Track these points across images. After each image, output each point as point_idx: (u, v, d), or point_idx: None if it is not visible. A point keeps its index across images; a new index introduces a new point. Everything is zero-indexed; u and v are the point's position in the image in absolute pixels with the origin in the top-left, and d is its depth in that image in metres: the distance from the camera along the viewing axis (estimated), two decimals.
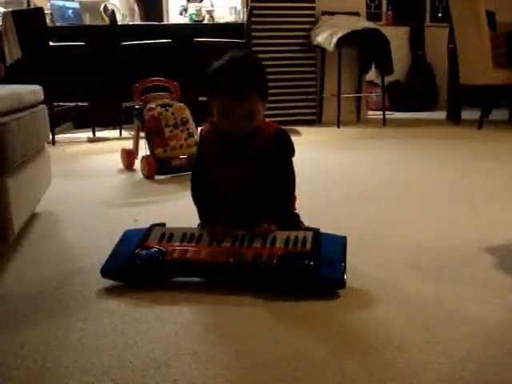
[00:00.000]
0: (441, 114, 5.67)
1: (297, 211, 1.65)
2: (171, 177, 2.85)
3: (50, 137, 3.53)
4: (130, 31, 4.93)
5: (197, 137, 2.76)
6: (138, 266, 1.37)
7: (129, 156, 3.12)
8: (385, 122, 5.04)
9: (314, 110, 5.25)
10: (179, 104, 2.98)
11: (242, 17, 5.22)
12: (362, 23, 4.98)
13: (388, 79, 5.75)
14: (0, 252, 1.65)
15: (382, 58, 4.98)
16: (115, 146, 3.66)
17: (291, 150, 1.56)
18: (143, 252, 1.40)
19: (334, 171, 3.02)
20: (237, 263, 1.35)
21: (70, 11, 5.11)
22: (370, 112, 5.76)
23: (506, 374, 0.97)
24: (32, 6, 4.86)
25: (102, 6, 5.18)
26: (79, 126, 4.95)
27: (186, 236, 1.47)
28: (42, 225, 2.04)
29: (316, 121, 5.26)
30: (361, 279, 1.39)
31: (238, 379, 0.97)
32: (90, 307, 1.29)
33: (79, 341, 1.12)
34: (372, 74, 5.39)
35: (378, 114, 5.41)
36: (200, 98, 3.71)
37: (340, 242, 1.42)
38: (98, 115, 4.60)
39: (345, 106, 5.06)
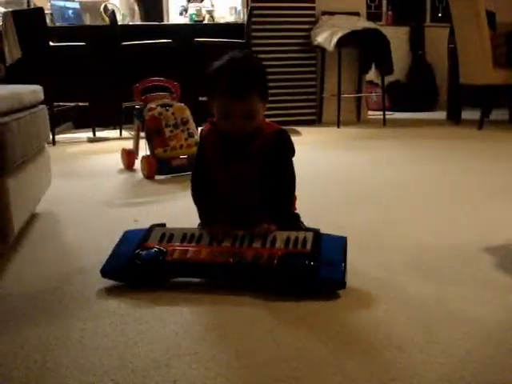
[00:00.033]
0: (441, 114, 5.67)
1: (297, 211, 1.65)
2: (171, 177, 2.85)
3: (50, 137, 3.53)
4: (130, 31, 4.93)
5: (197, 137, 2.76)
6: (138, 266, 1.37)
7: (129, 156, 3.12)
8: (385, 122, 5.04)
9: (314, 110, 5.25)
10: (179, 104, 2.98)
11: (242, 17, 5.21)
12: (362, 23, 4.98)
13: (388, 79, 5.75)
14: (0, 252, 1.65)
15: (382, 58, 4.97)
16: (115, 146, 3.66)
17: (291, 150, 1.56)
18: (143, 252, 1.40)
19: (334, 171, 3.02)
20: (237, 263, 1.35)
21: (70, 11, 5.11)
22: (370, 112, 5.76)
23: (506, 374, 0.97)
24: (32, 6, 4.86)
25: (103, 6, 5.18)
26: (79, 126, 4.95)
27: (186, 236, 1.47)
28: (42, 225, 2.04)
29: (316, 121, 5.25)
30: (361, 279, 1.39)
31: (238, 379, 0.97)
32: (90, 307, 1.29)
33: (79, 341, 1.12)
34: (372, 74, 5.39)
35: (378, 114, 5.41)
36: (200, 98, 3.71)
37: (340, 243, 1.42)
38: (98, 115, 4.59)
39: (345, 106, 5.06)
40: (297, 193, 1.60)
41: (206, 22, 5.39)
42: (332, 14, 5.12)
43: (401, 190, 2.49)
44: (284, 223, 1.50)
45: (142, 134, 2.96)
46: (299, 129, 4.77)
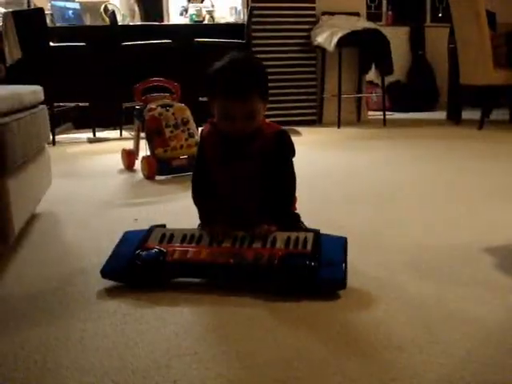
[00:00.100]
0: (441, 115, 5.67)
1: (297, 211, 1.65)
2: (172, 177, 2.85)
3: (51, 137, 3.53)
4: (130, 32, 4.93)
5: (197, 137, 2.76)
6: (139, 266, 1.37)
7: (129, 156, 3.12)
8: (385, 122, 5.04)
9: (314, 111, 5.25)
10: (180, 104, 2.98)
11: (242, 17, 5.22)
12: (362, 23, 4.98)
13: (388, 79, 5.75)
14: (0, 252, 1.65)
15: (382, 59, 4.98)
16: (115, 147, 3.66)
17: (292, 151, 1.56)
18: (143, 253, 1.40)
19: (334, 171, 3.02)
20: (237, 264, 1.35)
21: (71, 12, 5.11)
22: (370, 112, 5.76)
23: (506, 374, 0.97)
24: (32, 7, 4.87)
25: (103, 6, 5.19)
26: (79, 126, 4.96)
27: (187, 237, 1.47)
28: (43, 225, 2.04)
29: (316, 121, 5.26)
30: (361, 279, 1.39)
31: (238, 379, 0.97)
32: (91, 308, 1.29)
33: (80, 341, 1.12)
34: (372, 75, 5.39)
35: (379, 115, 5.41)
36: (200, 99, 3.71)
37: (340, 243, 1.42)
38: (98, 116, 4.60)
39: (345, 107, 5.06)
40: (297, 193, 1.60)
41: (206, 22, 5.39)
42: (332, 14, 5.12)
43: (401, 190, 2.49)
44: (284, 223, 1.50)
45: (143, 135, 2.96)
46: (299, 129, 4.77)
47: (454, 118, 5.12)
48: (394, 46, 4.96)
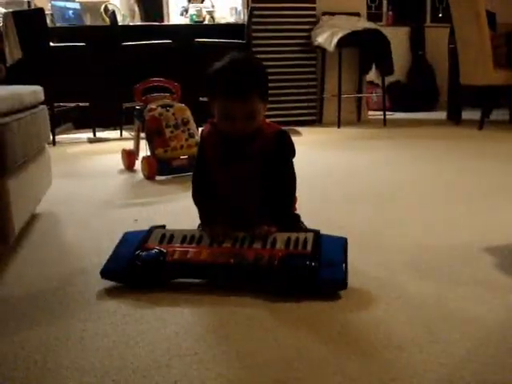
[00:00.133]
0: (441, 115, 5.67)
1: (297, 211, 1.65)
2: (172, 177, 2.85)
3: (51, 137, 3.53)
4: (130, 32, 4.93)
5: (197, 137, 2.76)
6: (139, 267, 1.37)
7: (129, 156, 3.12)
8: (385, 122, 5.04)
9: (314, 111, 5.25)
10: (180, 104, 2.98)
11: (242, 17, 5.22)
12: (362, 23, 4.98)
13: (388, 79, 5.75)
14: (0, 252, 1.65)
15: (382, 59, 4.98)
16: (116, 147, 3.66)
17: (292, 151, 1.56)
18: (143, 253, 1.40)
19: (334, 171, 3.02)
20: (238, 264, 1.35)
21: (71, 12, 5.11)
22: (370, 112, 5.76)
23: (506, 373, 0.97)
24: (33, 7, 4.86)
25: (103, 6, 5.19)
26: (80, 126, 4.96)
27: (187, 237, 1.47)
28: (43, 225, 2.04)
29: (316, 121, 5.26)
30: (361, 279, 1.39)
31: (238, 380, 0.97)
32: (91, 308, 1.29)
33: (80, 341, 1.12)
34: (372, 75, 5.39)
35: (379, 115, 5.42)
36: (201, 99, 3.71)
37: (341, 243, 1.42)
38: (98, 116, 4.60)
39: (345, 107, 5.06)
40: (297, 193, 1.60)
41: (206, 22, 5.39)
42: (332, 14, 5.12)
43: (401, 190, 2.49)
44: (284, 224, 1.50)
45: (143, 135, 2.96)
46: (300, 129, 4.77)
47: (454, 118, 5.13)
48: (394, 46, 4.96)
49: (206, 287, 1.37)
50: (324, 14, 5.13)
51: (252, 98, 1.45)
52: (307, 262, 1.32)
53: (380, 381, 0.95)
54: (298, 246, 1.40)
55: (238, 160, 1.52)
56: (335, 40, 4.68)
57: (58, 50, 4.35)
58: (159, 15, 5.57)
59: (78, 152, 3.97)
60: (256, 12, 4.80)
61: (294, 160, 1.56)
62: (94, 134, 4.65)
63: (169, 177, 2.86)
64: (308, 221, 1.64)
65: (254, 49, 4.74)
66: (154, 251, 1.40)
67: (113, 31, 4.59)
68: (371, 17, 5.94)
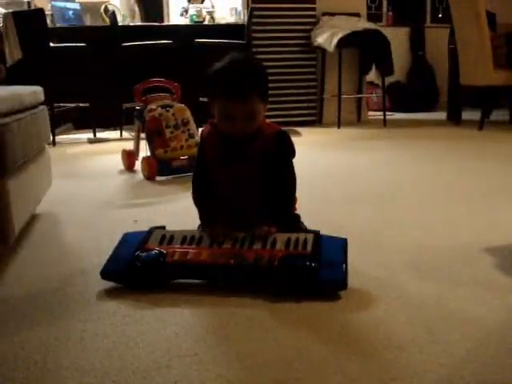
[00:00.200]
0: (441, 115, 5.67)
1: (297, 211, 1.65)
2: (172, 178, 2.85)
3: (51, 138, 3.52)
4: (130, 32, 4.93)
5: (197, 138, 2.76)
6: (139, 268, 1.37)
7: (129, 157, 3.12)
8: (385, 122, 5.04)
9: (314, 111, 5.25)
10: (180, 105, 2.98)
11: (242, 18, 5.22)
12: (362, 24, 4.98)
13: (388, 80, 5.74)
14: (0, 253, 1.65)
15: (382, 59, 4.98)
16: (116, 147, 3.66)
17: (292, 152, 1.56)
18: (143, 254, 1.40)
19: (334, 171, 3.02)
20: (238, 265, 1.35)
21: (71, 12, 5.12)
22: (370, 113, 5.76)
23: (506, 373, 0.97)
24: (33, 7, 4.86)
25: (103, 6, 5.19)
26: (80, 126, 4.95)
27: (187, 238, 1.47)
28: (43, 226, 2.04)
29: (316, 121, 5.25)
30: (361, 279, 1.39)
31: (238, 380, 0.97)
32: (91, 308, 1.29)
33: (80, 342, 1.12)
34: (372, 75, 5.39)
35: (379, 115, 5.41)
36: (201, 99, 3.71)
37: (341, 244, 1.42)
38: (98, 116, 4.60)
39: (345, 107, 5.06)
40: (297, 193, 1.60)
41: (206, 22, 5.39)
42: (332, 14, 5.12)
43: (401, 191, 2.49)
44: (284, 224, 1.50)
45: (143, 135, 2.96)
46: (299, 129, 4.77)
47: (454, 119, 5.12)
48: (394, 46, 4.96)
49: (206, 288, 1.38)
50: (324, 14, 5.13)
51: (252, 98, 1.45)
52: (307, 263, 1.32)
53: (380, 381, 0.95)
54: (298, 246, 1.40)
55: (238, 160, 1.52)
56: (335, 40, 4.68)
57: (58, 51, 4.35)
58: (159, 15, 5.58)
59: (78, 152, 3.97)
60: (256, 12, 4.80)
61: (293, 160, 1.56)
62: (94, 135, 4.65)
63: (169, 177, 2.86)
64: (308, 221, 1.64)
65: (253, 49, 4.74)
66: (153, 252, 1.40)
67: (113, 31, 4.58)
68: (371, 17, 5.94)
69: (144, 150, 2.96)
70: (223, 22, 5.44)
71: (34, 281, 1.48)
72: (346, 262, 1.36)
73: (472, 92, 4.91)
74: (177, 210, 2.18)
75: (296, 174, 1.57)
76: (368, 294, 1.32)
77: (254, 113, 1.46)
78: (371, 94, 6.13)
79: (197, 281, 1.40)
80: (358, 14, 5.24)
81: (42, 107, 2.16)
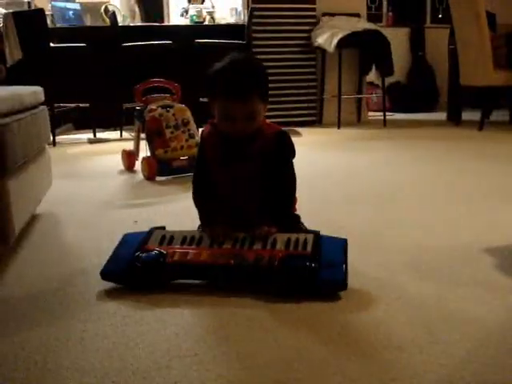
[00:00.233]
0: (441, 115, 5.67)
1: (297, 212, 1.65)
2: (172, 178, 2.85)
3: (51, 138, 3.53)
4: (130, 32, 4.93)
5: (198, 138, 2.76)
6: (139, 268, 1.37)
7: (129, 157, 3.12)
8: (385, 123, 5.04)
9: (314, 111, 5.25)
10: (180, 105, 2.98)
11: (242, 18, 5.22)
12: (362, 24, 4.98)
13: (388, 80, 5.74)
14: (1, 253, 1.65)
15: (382, 59, 4.98)
16: (116, 147, 3.66)
17: (292, 152, 1.56)
18: (143, 254, 1.40)
19: (335, 172, 3.02)
20: (238, 265, 1.35)
21: (71, 12, 5.12)
22: (370, 113, 5.76)
23: (506, 374, 0.97)
24: (33, 7, 4.86)
25: (103, 7, 5.19)
26: (80, 127, 4.96)
27: (187, 239, 1.47)
28: (43, 226, 2.04)
29: (316, 122, 5.26)
30: (361, 279, 1.39)
31: (238, 381, 0.97)
32: (91, 309, 1.29)
33: (80, 342, 1.12)
34: (372, 75, 5.39)
35: (379, 115, 5.41)
36: (201, 99, 3.71)
37: (341, 244, 1.42)
38: (98, 116, 4.60)
39: (345, 107, 5.06)
40: (297, 194, 1.60)
41: (206, 23, 5.39)
42: (332, 15, 5.12)
43: (401, 191, 2.49)
44: (284, 225, 1.50)
45: (143, 135, 2.96)
46: (299, 130, 4.78)
47: (454, 119, 5.13)
48: (394, 46, 4.96)
49: (206, 288, 1.38)
50: (324, 14, 5.13)
51: (252, 98, 1.45)
52: (307, 263, 1.32)
53: (380, 381, 0.95)
54: (298, 246, 1.40)
55: (238, 160, 1.52)
56: (335, 41, 4.68)
57: (59, 51, 4.35)
58: (159, 16, 5.58)
59: (78, 153, 3.97)
60: (256, 13, 4.80)
61: (294, 160, 1.56)
62: (94, 135, 4.65)
63: (169, 177, 2.86)
64: (308, 221, 1.64)
65: (254, 49, 4.74)
66: (153, 253, 1.40)
67: (113, 32, 4.59)
68: (371, 17, 5.94)
69: (144, 151, 2.96)
70: (223, 22, 5.45)
71: (34, 281, 1.49)
72: (346, 262, 1.36)
73: (472, 92, 4.91)
74: (177, 211, 2.18)
75: (296, 174, 1.57)
76: (368, 295, 1.32)
77: (254, 113, 1.46)
78: (371, 94, 6.13)
79: (197, 281, 1.40)
80: (358, 15, 5.25)
81: (42, 107, 2.16)
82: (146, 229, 1.54)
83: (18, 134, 1.68)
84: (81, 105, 4.53)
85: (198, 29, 5.25)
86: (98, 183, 2.84)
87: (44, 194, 2.18)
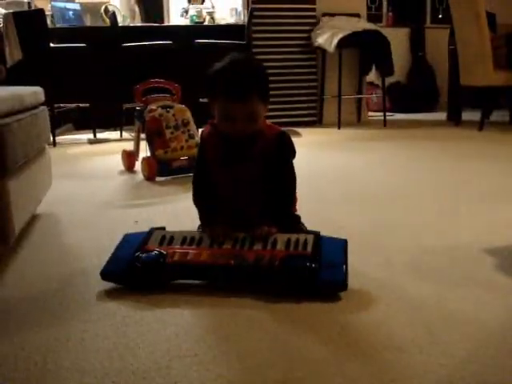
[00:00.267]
0: (441, 115, 5.67)
1: (297, 212, 1.65)
2: (172, 178, 2.85)
3: (51, 138, 3.53)
4: (130, 32, 4.93)
5: (198, 138, 2.76)
6: (139, 268, 1.37)
7: (129, 157, 3.12)
8: (385, 123, 5.04)
9: (314, 111, 5.25)
10: (180, 105, 2.98)
11: (242, 18, 5.22)
12: (362, 24, 4.98)
13: (388, 80, 5.74)
14: (1, 253, 1.65)
15: (382, 60, 4.98)
16: (116, 148, 3.66)
17: (292, 153, 1.56)
18: (143, 255, 1.40)
19: (334, 172, 3.02)
20: (238, 265, 1.35)
21: (71, 12, 5.12)
22: (370, 113, 5.76)
23: (506, 374, 0.98)
24: (33, 8, 4.86)
25: (103, 7, 5.19)
26: (80, 127, 4.96)
27: (187, 239, 1.47)
28: (43, 226, 2.04)
29: (316, 122, 5.26)
30: (361, 280, 1.39)
31: (239, 380, 0.97)
32: (91, 309, 1.29)
33: (80, 342, 1.12)
34: (372, 76, 5.39)
35: (379, 116, 5.41)
36: (201, 100, 3.71)
37: (341, 245, 1.42)
38: (98, 116, 4.60)
39: (345, 108, 5.06)
40: (297, 194, 1.60)
41: (206, 23, 5.40)
42: (332, 15, 5.12)
43: (401, 191, 2.49)
44: (285, 225, 1.50)
45: (143, 136, 2.96)
46: (299, 130, 4.77)
47: (454, 119, 5.13)
48: (394, 47, 4.96)
49: (206, 288, 1.38)
50: (324, 14, 5.13)
51: (252, 99, 1.45)
52: (307, 263, 1.32)
53: (380, 382, 0.95)
54: (298, 247, 1.40)
55: (238, 161, 1.52)
56: (335, 41, 4.68)
57: (59, 51, 4.35)
58: (159, 16, 5.58)
59: (78, 153, 3.97)
60: (256, 13, 4.80)
61: (294, 161, 1.56)
62: (95, 135, 4.65)
63: (169, 178, 2.86)
64: (308, 221, 1.64)
65: (254, 50, 4.74)
66: (153, 253, 1.40)
67: (113, 32, 4.59)
68: (371, 18, 5.94)
69: (144, 151, 2.95)
70: (223, 22, 5.45)
71: (35, 281, 1.49)
72: (346, 262, 1.36)
73: (472, 92, 4.91)
74: (177, 211, 2.18)
75: (296, 174, 1.57)
76: (368, 295, 1.32)
77: (254, 113, 1.46)
78: (371, 94, 6.12)
79: (197, 281, 1.40)
80: (358, 15, 5.25)
81: (42, 108, 2.16)
82: (146, 229, 1.54)
83: (18, 134, 1.68)
84: (81, 105, 4.53)
85: (197, 29, 5.25)
86: (98, 183, 2.84)
87: (44, 194, 2.18)
